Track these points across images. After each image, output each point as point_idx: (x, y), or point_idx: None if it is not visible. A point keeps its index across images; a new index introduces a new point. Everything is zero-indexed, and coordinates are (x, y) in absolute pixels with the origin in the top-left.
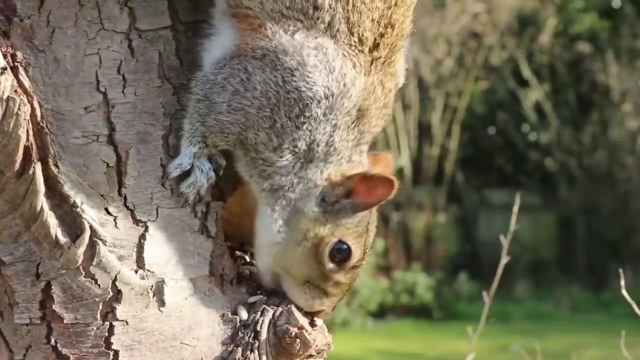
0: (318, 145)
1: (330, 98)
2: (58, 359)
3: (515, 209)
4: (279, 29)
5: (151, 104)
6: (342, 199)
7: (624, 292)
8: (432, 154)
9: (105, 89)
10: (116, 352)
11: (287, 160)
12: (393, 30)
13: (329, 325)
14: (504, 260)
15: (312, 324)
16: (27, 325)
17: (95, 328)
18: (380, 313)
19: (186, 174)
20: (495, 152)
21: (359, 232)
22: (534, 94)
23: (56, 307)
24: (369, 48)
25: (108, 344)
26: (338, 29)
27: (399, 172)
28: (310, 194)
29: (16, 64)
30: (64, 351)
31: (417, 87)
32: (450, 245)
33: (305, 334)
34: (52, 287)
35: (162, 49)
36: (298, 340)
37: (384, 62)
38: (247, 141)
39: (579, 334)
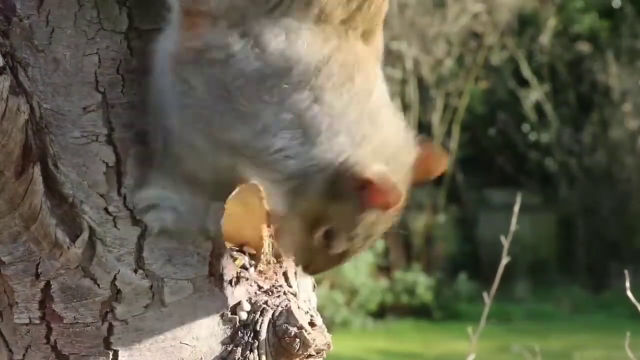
0: (309, 109)
1: (280, 70)
2: (57, 359)
3: (516, 209)
4: (212, 24)
5: None
6: (355, 191)
7: (629, 293)
8: None
9: (105, 89)
10: (116, 352)
11: (282, 139)
12: (370, 7)
13: (328, 325)
14: (505, 260)
15: (312, 323)
16: (26, 325)
17: (94, 328)
18: (380, 313)
19: None
20: (495, 152)
21: (359, 232)
22: (534, 94)
23: (56, 307)
24: (341, 21)
25: (108, 344)
26: (290, 5)
27: None
28: (323, 174)
29: (15, 63)
30: (64, 351)
31: (417, 87)
32: (450, 245)
33: (305, 333)
34: (52, 286)
35: None
36: (297, 340)
37: (363, 31)
38: (238, 149)
39: (579, 334)
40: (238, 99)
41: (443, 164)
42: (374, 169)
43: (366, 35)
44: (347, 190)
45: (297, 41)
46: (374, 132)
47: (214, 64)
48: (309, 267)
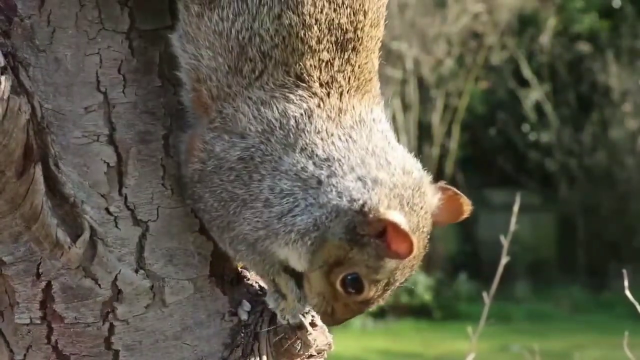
0: (304, 170)
1: (260, 145)
2: (58, 359)
3: (516, 209)
4: (203, 144)
5: (152, 103)
6: (373, 237)
7: (627, 293)
8: (432, 154)
9: (106, 89)
10: (116, 352)
11: (286, 203)
12: (353, 68)
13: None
14: (504, 260)
15: (313, 324)
16: (27, 325)
17: (95, 328)
18: (380, 313)
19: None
20: (495, 152)
21: (380, 278)
22: (534, 94)
23: (57, 307)
24: (321, 83)
25: (108, 344)
26: (271, 74)
27: None
28: (339, 221)
29: (17, 63)
30: (65, 351)
31: (418, 87)
32: (450, 245)
33: (306, 334)
34: (53, 287)
35: (162, 49)
36: (298, 340)
37: (350, 90)
38: (250, 233)
39: (579, 334)
40: (237, 192)
41: (467, 208)
42: (391, 216)
43: (353, 91)
44: (366, 236)
45: (271, 110)
46: (384, 175)
47: (212, 174)
48: (330, 316)
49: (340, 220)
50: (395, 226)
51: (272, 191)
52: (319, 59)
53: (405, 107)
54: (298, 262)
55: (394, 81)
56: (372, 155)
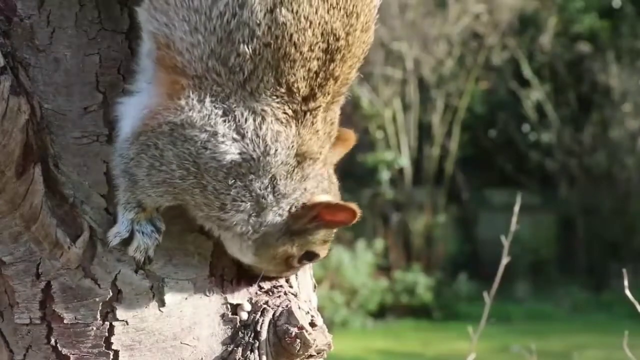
0: (264, 198)
1: (251, 161)
2: (58, 359)
3: (516, 209)
4: (195, 95)
5: None
6: (307, 224)
7: (627, 292)
8: (432, 154)
9: (106, 89)
10: (116, 352)
11: (237, 218)
12: (336, 82)
13: (328, 325)
14: (505, 260)
15: (313, 324)
16: (27, 325)
17: (95, 328)
18: (380, 313)
19: (128, 240)
20: (495, 152)
21: (325, 240)
22: (535, 94)
23: (56, 307)
24: (303, 98)
25: (108, 344)
26: (262, 78)
27: (399, 172)
28: (276, 230)
29: (16, 63)
30: (64, 351)
31: (418, 87)
32: (450, 245)
33: (305, 334)
34: (52, 287)
35: None
36: (298, 340)
37: (325, 107)
38: (189, 203)
39: (579, 334)
40: (204, 176)
41: (351, 138)
42: (320, 199)
43: (327, 107)
44: (307, 224)
45: (267, 130)
46: (314, 186)
47: (190, 142)
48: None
49: (278, 229)
50: (327, 205)
51: (234, 201)
52: (308, 69)
53: (406, 107)
54: (242, 251)
55: (394, 81)
56: (314, 182)
